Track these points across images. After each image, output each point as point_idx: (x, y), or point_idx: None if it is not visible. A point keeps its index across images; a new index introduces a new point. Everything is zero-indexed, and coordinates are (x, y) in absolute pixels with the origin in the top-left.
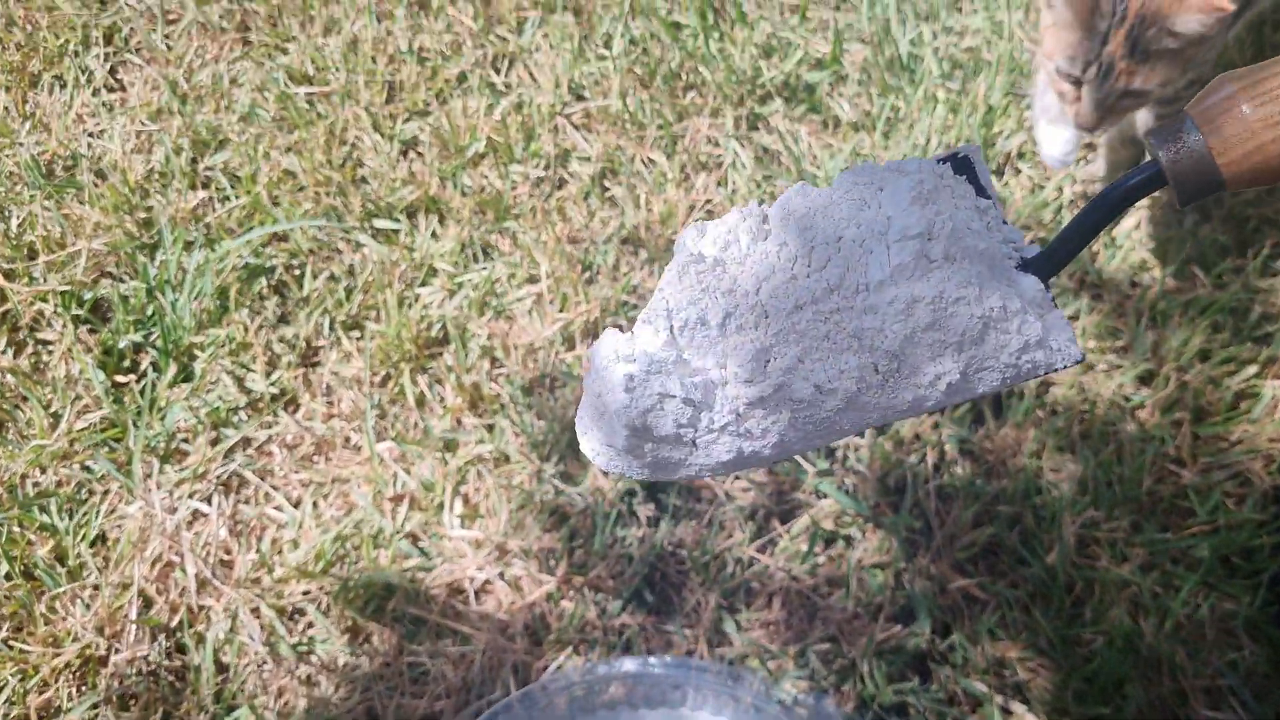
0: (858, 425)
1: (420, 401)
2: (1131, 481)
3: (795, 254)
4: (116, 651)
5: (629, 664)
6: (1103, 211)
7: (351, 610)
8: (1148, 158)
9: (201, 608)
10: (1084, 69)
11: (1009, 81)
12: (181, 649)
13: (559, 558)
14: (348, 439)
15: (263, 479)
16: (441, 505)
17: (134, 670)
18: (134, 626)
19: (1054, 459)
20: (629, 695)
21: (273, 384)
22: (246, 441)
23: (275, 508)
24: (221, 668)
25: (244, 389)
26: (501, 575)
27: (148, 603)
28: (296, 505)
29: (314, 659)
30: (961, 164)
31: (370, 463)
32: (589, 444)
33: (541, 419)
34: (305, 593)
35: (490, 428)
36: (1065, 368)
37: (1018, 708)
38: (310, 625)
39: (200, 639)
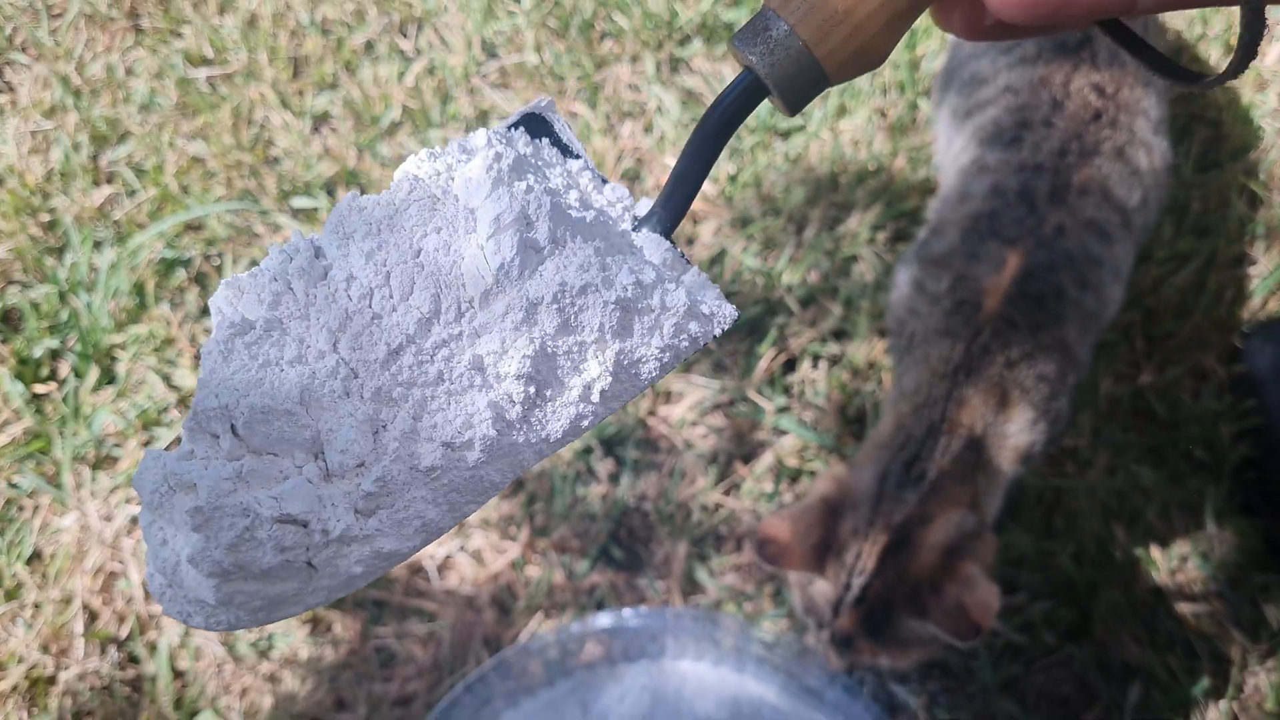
0: (512, 471)
1: None
2: (1089, 387)
3: (369, 286)
4: (65, 669)
5: (604, 619)
6: (708, 142)
7: None
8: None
9: (152, 615)
10: (817, 627)
11: None
12: (134, 659)
13: (519, 523)
14: None
15: None
16: None
17: (86, 686)
18: (81, 641)
19: None
20: (607, 652)
21: None
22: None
23: None
24: (179, 674)
25: (172, 386)
26: (462, 548)
27: (93, 616)
28: None
29: (275, 655)
30: (536, 124)
31: None
32: (173, 606)
33: None
34: None
35: None
36: (724, 331)
37: (998, 626)
38: None
39: (153, 647)
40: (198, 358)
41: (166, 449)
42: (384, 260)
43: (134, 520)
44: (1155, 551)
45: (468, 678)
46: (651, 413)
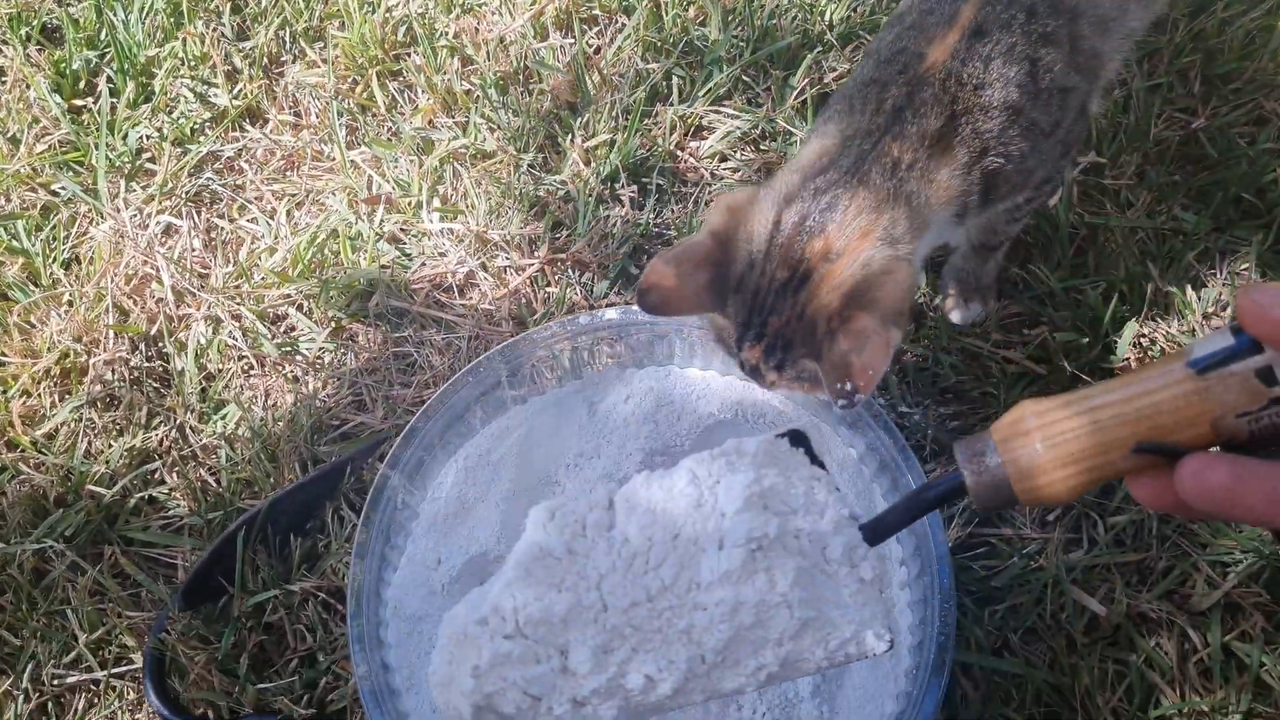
0: (682, 704)
1: (391, 106)
2: (1139, 130)
3: (635, 550)
4: (94, 356)
5: (611, 314)
6: (916, 509)
7: (334, 309)
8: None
9: (181, 317)
10: (728, 353)
11: None
12: (163, 356)
13: (541, 243)
14: (319, 151)
15: (235, 194)
16: (419, 204)
17: (115, 375)
18: (112, 334)
19: None
20: (617, 362)
21: (236, 98)
22: (214, 156)
23: (250, 220)
24: (207, 376)
25: (207, 104)
26: (484, 267)
27: (124, 314)
28: (271, 216)
29: (299, 358)
30: (798, 437)
31: (343, 170)
32: (442, 698)
33: (517, 115)
34: (285, 296)
35: (464, 125)
36: (874, 656)
37: (1015, 355)
38: (293, 328)
39: (181, 346)
40: (232, 78)
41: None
42: (651, 535)
43: (167, 229)
44: (1191, 294)
45: (476, 360)
46: (680, 147)
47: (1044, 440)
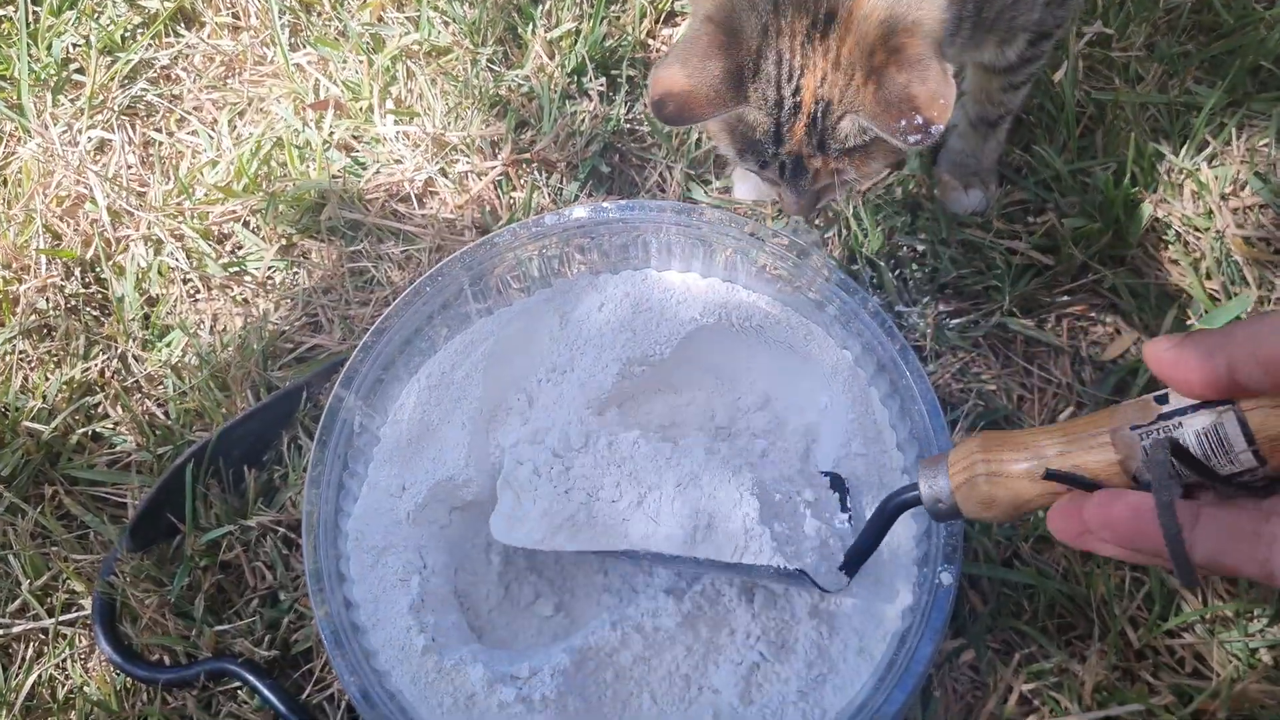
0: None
1: (337, 2)
2: None
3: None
4: (26, 284)
5: (580, 212)
6: (881, 520)
7: (283, 224)
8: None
9: (119, 239)
10: (761, 166)
11: None
12: (101, 281)
13: (504, 144)
14: (262, 55)
15: (171, 104)
16: (371, 108)
17: (49, 303)
18: (43, 259)
19: None
20: (590, 268)
21: None
22: (147, 64)
23: (189, 132)
24: (149, 301)
25: (136, 7)
26: (443, 172)
27: (57, 237)
28: (212, 127)
29: (247, 279)
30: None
31: (287, 74)
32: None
33: (473, 5)
34: (230, 213)
35: (416, 19)
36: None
37: (1020, 245)
38: (239, 246)
39: (120, 269)
40: None
41: None
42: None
43: (101, 145)
44: (1207, 173)
45: (439, 264)
46: (651, 35)
47: (987, 468)
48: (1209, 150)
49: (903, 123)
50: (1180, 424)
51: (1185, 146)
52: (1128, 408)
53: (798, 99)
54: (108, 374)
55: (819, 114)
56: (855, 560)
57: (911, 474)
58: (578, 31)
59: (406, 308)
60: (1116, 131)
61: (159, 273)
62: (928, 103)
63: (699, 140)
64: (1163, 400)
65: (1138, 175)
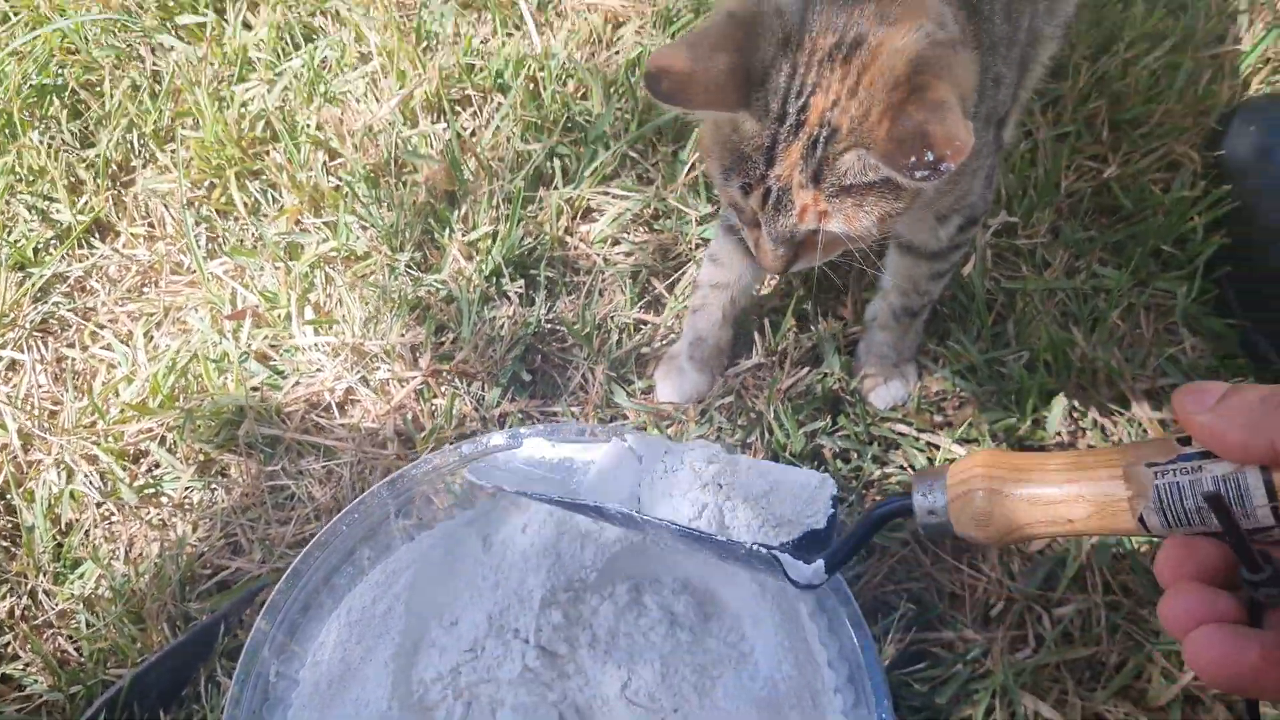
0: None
1: (253, 209)
2: (1049, 183)
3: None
4: None
5: (498, 438)
6: (867, 527)
7: (200, 441)
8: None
9: (30, 463)
10: (743, 191)
11: None
12: (11, 510)
13: (424, 352)
14: (178, 263)
15: (85, 318)
16: (289, 316)
17: None
18: None
19: None
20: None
21: (81, 212)
22: (60, 278)
23: (104, 347)
24: (61, 530)
25: (49, 221)
26: (364, 381)
27: None
28: (127, 341)
29: (163, 500)
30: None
31: (204, 283)
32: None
33: (390, 209)
34: (145, 431)
35: (334, 225)
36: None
37: (942, 440)
38: (156, 465)
39: (30, 497)
40: (75, 190)
41: None
42: None
43: (11, 364)
44: (1119, 358)
45: (362, 495)
46: (569, 232)
47: (987, 492)
48: (1119, 334)
49: (913, 159)
50: (1200, 467)
51: (1096, 330)
52: (1147, 445)
53: (802, 117)
54: (17, 613)
55: (821, 138)
56: (835, 561)
57: (845, 694)
58: (495, 234)
59: (332, 537)
60: (1028, 319)
61: (71, 499)
62: (943, 141)
63: (620, 340)
64: (1185, 441)
65: (1050, 363)
